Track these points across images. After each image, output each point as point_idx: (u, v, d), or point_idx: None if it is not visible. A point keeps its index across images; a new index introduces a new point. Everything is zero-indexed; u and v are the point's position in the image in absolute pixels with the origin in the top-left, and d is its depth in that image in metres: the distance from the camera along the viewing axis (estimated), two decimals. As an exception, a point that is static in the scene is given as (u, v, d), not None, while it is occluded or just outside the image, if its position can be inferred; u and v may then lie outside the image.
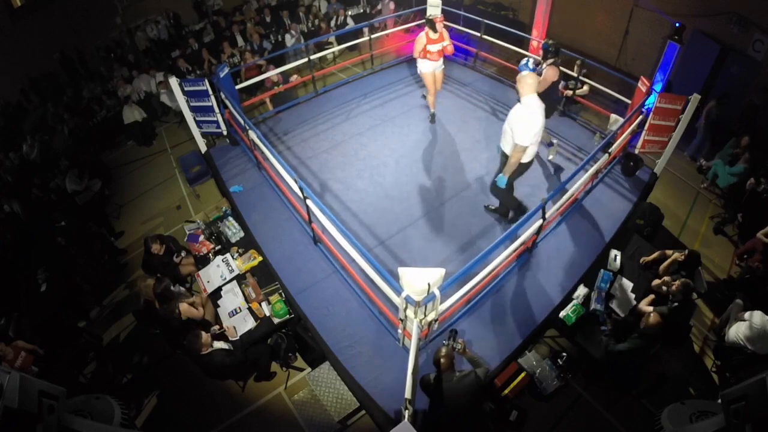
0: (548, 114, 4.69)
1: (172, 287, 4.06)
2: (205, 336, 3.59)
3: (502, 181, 3.99)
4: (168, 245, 4.72)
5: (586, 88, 5.87)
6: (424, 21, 5.33)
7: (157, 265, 4.53)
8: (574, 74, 5.92)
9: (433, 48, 5.30)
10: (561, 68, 5.97)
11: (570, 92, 5.93)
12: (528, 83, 3.62)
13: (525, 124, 3.63)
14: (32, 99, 9.81)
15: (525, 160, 3.92)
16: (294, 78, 7.29)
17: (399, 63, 7.53)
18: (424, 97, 6.29)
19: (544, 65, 4.50)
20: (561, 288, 4.07)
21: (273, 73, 6.52)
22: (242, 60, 8.38)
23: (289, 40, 9.10)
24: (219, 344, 3.73)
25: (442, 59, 5.54)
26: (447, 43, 5.36)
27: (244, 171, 5.49)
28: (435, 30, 5.21)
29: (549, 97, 4.50)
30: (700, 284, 4.15)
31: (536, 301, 3.96)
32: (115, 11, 11.10)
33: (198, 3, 11.35)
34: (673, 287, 3.69)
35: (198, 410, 4.20)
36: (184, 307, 3.92)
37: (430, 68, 5.45)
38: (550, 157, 5.26)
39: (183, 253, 4.72)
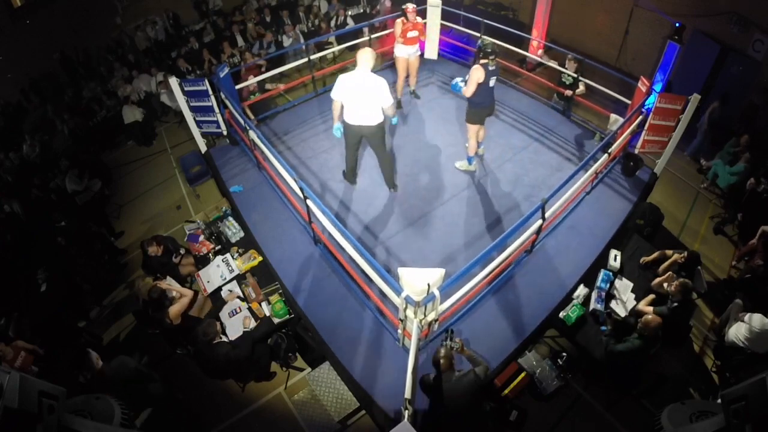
0: (479, 116, 4.72)
1: (163, 286, 4.06)
2: (218, 325, 3.64)
3: (335, 128, 4.48)
4: (166, 245, 4.71)
5: (582, 87, 5.86)
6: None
7: (156, 266, 4.53)
8: (572, 72, 5.91)
9: (408, 34, 5.76)
10: (561, 68, 6.05)
11: (570, 92, 5.93)
12: (361, 57, 4.09)
13: (337, 82, 4.17)
14: (32, 99, 9.81)
15: (348, 121, 4.33)
16: (270, 86, 7.16)
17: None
18: (413, 92, 6.51)
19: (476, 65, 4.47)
20: (561, 288, 4.06)
21: (251, 81, 6.42)
22: (242, 60, 8.38)
23: (287, 41, 9.10)
24: (224, 338, 3.75)
25: (416, 47, 5.95)
26: (418, 34, 5.82)
27: (244, 171, 5.49)
28: (407, 18, 5.69)
29: (481, 98, 4.53)
30: (700, 284, 4.15)
31: (536, 301, 3.95)
32: (115, 11, 11.10)
33: (198, 2, 11.35)
34: (672, 287, 3.70)
35: (198, 410, 4.20)
36: (172, 312, 3.91)
37: (403, 54, 5.89)
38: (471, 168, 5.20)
39: (182, 251, 4.72)
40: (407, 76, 6.21)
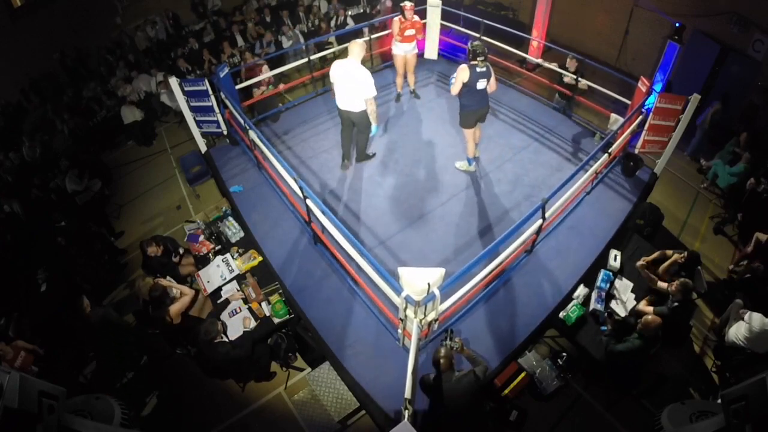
0: (467, 120, 4.69)
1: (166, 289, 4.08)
2: (220, 324, 3.64)
3: None
4: (166, 245, 4.71)
5: (583, 83, 5.88)
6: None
7: (156, 266, 4.52)
8: (572, 72, 5.95)
9: (405, 32, 5.82)
10: (560, 70, 6.07)
11: (570, 92, 5.94)
12: (351, 48, 4.51)
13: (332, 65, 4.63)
14: (32, 99, 9.80)
15: (337, 103, 4.76)
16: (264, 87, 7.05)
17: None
18: (413, 92, 6.55)
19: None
20: (561, 288, 4.06)
21: (267, 75, 6.39)
22: (242, 60, 8.38)
23: (286, 43, 9.09)
24: (225, 338, 3.74)
25: (413, 44, 6.00)
26: (415, 32, 5.84)
27: (244, 171, 5.49)
28: (405, 17, 5.76)
29: (468, 101, 4.53)
30: (700, 284, 4.15)
31: (536, 301, 3.95)
32: (115, 11, 11.10)
33: (195, 3, 11.34)
34: (672, 288, 3.69)
35: (198, 410, 4.20)
36: (173, 310, 3.91)
37: (400, 51, 5.98)
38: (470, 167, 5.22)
39: (181, 251, 4.71)
40: (406, 74, 6.24)
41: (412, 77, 6.35)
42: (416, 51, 6.12)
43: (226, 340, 3.74)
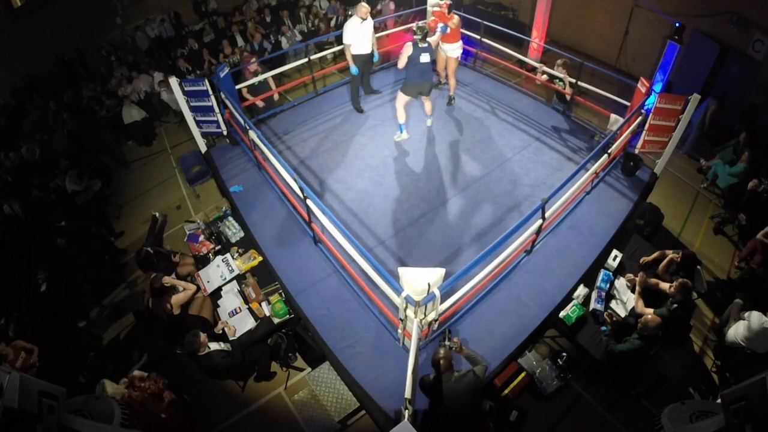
0: (407, 90, 5.19)
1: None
2: (203, 337, 3.59)
3: None
4: (152, 261, 4.48)
5: (568, 87, 5.97)
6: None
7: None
8: (560, 75, 5.99)
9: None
10: (553, 71, 6.10)
11: (569, 92, 5.94)
12: (359, 7, 5.49)
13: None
14: (33, 99, 9.78)
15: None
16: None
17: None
18: (451, 98, 6.44)
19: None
20: (561, 288, 4.06)
21: (255, 80, 6.33)
22: (242, 60, 8.37)
23: (285, 44, 9.08)
24: (215, 345, 3.71)
25: (453, 46, 5.86)
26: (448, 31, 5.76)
27: (244, 171, 5.49)
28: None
29: (410, 73, 5.05)
30: (699, 284, 4.15)
31: (536, 301, 3.95)
32: (115, 11, 11.10)
33: (197, 3, 11.34)
34: (671, 289, 3.69)
35: (198, 410, 4.20)
36: (175, 299, 3.92)
37: (440, 50, 5.97)
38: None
39: (172, 253, 4.70)
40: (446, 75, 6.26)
41: (452, 80, 6.18)
42: (458, 55, 5.93)
43: (218, 347, 3.71)
